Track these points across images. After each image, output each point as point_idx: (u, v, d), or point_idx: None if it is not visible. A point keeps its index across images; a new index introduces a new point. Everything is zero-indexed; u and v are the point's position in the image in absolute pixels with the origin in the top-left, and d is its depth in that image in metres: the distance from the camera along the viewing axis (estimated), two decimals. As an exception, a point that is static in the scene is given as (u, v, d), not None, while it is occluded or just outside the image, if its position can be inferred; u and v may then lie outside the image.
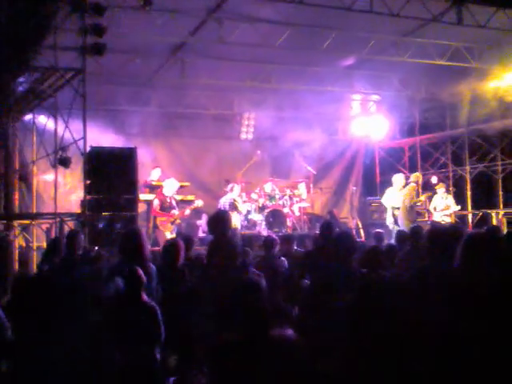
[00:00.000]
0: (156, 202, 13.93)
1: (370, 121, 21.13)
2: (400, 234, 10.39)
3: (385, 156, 21.78)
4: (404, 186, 15.46)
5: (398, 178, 15.83)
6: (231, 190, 16.15)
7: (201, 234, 16.92)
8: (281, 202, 17.52)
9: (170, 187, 14.24)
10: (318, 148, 19.91)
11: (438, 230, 6.79)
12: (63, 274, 7.85)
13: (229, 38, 13.37)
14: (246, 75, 16.31)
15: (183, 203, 15.23)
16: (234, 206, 15.77)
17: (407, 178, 16.33)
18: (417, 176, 15.90)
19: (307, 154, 19.31)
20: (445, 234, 6.27)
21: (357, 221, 19.10)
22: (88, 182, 11.87)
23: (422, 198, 16.36)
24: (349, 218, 20.51)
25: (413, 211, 15.07)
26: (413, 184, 15.38)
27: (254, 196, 17.18)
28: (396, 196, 15.37)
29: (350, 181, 21.66)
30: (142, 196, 14.98)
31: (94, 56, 11.44)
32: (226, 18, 13.02)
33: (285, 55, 15.28)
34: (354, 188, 20.81)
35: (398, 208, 15.10)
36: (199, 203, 14.76)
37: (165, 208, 13.94)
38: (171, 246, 7.88)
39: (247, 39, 13.88)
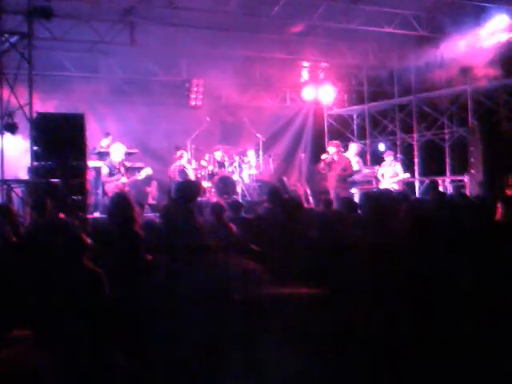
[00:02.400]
0: (105, 169, 13.83)
1: (318, 88, 21.18)
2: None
3: (333, 123, 21.92)
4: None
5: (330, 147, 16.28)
6: (180, 156, 16.13)
7: (151, 201, 16.86)
8: (230, 169, 17.55)
9: (117, 152, 14.14)
10: (267, 115, 19.95)
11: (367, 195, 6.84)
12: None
13: (179, 2, 13.27)
14: (195, 41, 16.18)
15: (133, 170, 15.15)
16: (184, 173, 15.76)
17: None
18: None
19: (257, 121, 19.34)
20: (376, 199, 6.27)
21: (305, 188, 19.23)
22: (35, 148, 11.73)
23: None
24: (298, 184, 20.63)
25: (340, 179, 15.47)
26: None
27: (203, 163, 17.18)
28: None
29: (299, 148, 21.72)
30: (91, 163, 14.85)
31: (41, 20, 11.26)
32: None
33: (234, 21, 15.21)
34: (303, 155, 20.91)
35: None
36: (148, 171, 14.69)
37: (113, 175, 13.85)
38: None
39: (197, 4, 13.80)
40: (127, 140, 16.24)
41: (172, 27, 15.26)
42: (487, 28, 15.96)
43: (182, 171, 15.75)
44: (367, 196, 6.37)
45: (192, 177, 16.19)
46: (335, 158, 16.00)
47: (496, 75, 16.23)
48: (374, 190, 15.84)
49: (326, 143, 16.95)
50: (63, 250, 5.57)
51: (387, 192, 7.62)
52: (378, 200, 5.74)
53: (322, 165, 16.23)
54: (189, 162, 16.81)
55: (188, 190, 7.59)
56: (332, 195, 14.75)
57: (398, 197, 6.96)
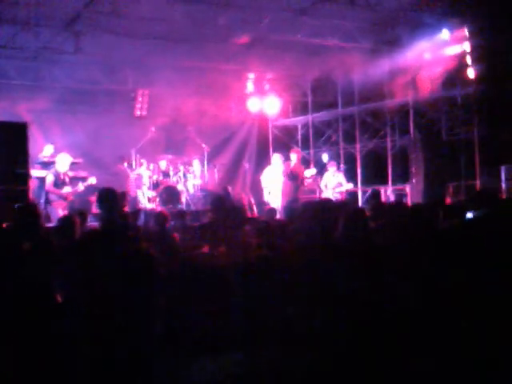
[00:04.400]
0: (50, 178, 13.69)
1: (263, 99, 21.32)
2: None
3: (278, 134, 22.09)
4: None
5: (274, 158, 16.35)
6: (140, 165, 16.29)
7: (94, 210, 16.74)
8: (175, 179, 17.57)
9: (63, 162, 14.02)
10: (212, 125, 20.03)
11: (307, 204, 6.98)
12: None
13: (123, 11, 13.26)
14: (141, 50, 16.16)
15: (76, 180, 15.04)
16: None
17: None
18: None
19: (202, 131, 19.41)
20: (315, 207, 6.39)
21: (249, 197, 19.32)
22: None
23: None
24: (242, 194, 20.71)
25: (291, 188, 15.59)
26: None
27: (147, 172, 17.20)
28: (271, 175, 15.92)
29: (244, 158, 21.83)
30: (34, 172, 14.74)
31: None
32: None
33: (180, 31, 15.23)
34: (247, 165, 21.01)
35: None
36: (92, 180, 14.60)
37: (58, 184, 13.73)
38: (67, 221, 7.82)
39: (142, 13, 13.80)
40: (71, 149, 16.08)
41: (117, 36, 15.20)
42: (429, 41, 16.31)
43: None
44: (307, 205, 6.51)
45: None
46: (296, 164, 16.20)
47: (437, 87, 16.60)
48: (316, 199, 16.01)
49: (290, 151, 16.96)
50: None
51: (327, 201, 7.73)
52: (317, 209, 5.84)
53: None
54: (132, 171, 16.79)
55: (112, 198, 7.64)
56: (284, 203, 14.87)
57: (337, 206, 7.07)
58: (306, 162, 20.05)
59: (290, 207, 10.24)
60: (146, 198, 16.28)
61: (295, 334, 4.53)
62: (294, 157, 16.20)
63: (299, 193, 15.78)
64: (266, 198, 16.13)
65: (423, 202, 12.87)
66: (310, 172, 16.53)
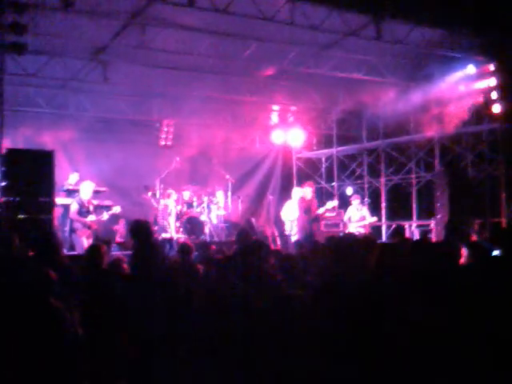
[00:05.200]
0: (74, 206, 13.75)
1: (288, 131, 21.37)
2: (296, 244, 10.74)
3: (302, 166, 22.08)
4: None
5: (294, 191, 16.24)
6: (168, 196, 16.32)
7: (118, 239, 16.80)
8: (198, 210, 17.57)
9: (86, 190, 14.08)
10: (236, 156, 20.09)
11: (332, 238, 6.96)
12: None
13: (151, 43, 13.39)
14: (166, 81, 16.30)
15: (101, 208, 15.10)
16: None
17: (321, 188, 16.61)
18: (301, 191, 16.25)
19: (226, 162, 19.47)
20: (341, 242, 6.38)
21: (273, 229, 19.28)
22: (4, 183, 11.71)
23: (321, 210, 16.40)
24: (265, 226, 20.67)
25: (305, 223, 15.47)
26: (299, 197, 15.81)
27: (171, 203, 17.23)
28: (291, 208, 15.81)
29: (268, 190, 21.83)
30: (59, 200, 14.81)
31: (13, 55, 11.31)
32: (149, 24, 13.03)
33: (206, 63, 15.35)
34: (271, 197, 21.00)
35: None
36: (117, 209, 14.67)
37: (82, 212, 13.78)
38: (95, 250, 7.82)
39: (169, 45, 13.93)
40: (96, 178, 16.17)
41: (144, 67, 15.36)
42: (455, 76, 16.28)
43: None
44: (330, 240, 6.50)
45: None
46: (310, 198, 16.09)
47: (463, 122, 16.54)
48: (340, 234, 15.97)
49: (301, 185, 16.92)
50: (27, 286, 5.58)
51: (350, 236, 7.71)
52: (339, 244, 5.83)
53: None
54: (157, 201, 16.83)
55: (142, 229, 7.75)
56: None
57: (361, 241, 7.02)
58: (329, 195, 20.03)
59: (300, 244, 10.26)
60: (173, 229, 16.29)
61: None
62: (307, 190, 16.09)
63: (313, 227, 15.66)
64: (288, 230, 16.03)
65: (447, 239, 12.71)
66: (332, 204, 16.41)
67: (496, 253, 6.76)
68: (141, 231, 7.54)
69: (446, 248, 6.26)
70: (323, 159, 21.96)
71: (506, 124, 15.72)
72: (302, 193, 15.92)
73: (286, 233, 15.94)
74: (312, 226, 15.52)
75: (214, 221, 18.00)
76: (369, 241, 6.86)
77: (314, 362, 4.57)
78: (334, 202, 16.76)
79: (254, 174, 21.92)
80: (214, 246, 11.01)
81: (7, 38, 11.14)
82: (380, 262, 5.58)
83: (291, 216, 15.77)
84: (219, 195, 18.59)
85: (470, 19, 13.54)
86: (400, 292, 5.01)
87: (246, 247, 7.88)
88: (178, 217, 16.84)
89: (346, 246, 5.83)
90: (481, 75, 16.01)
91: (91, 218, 13.82)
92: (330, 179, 21.43)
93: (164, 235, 15.66)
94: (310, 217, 15.58)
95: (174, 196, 16.72)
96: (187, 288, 6.42)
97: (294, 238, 15.19)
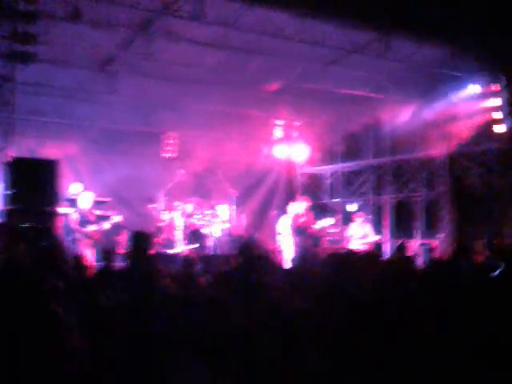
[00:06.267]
0: (75, 216, 13.76)
1: (292, 146, 21.36)
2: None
3: (306, 181, 22.06)
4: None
5: (290, 206, 16.19)
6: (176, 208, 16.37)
7: (121, 250, 16.75)
8: (202, 222, 17.57)
9: (85, 200, 14.11)
10: (241, 170, 20.08)
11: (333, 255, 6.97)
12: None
13: (158, 55, 13.44)
14: (173, 94, 16.32)
15: (103, 219, 15.10)
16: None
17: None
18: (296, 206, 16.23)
19: (230, 176, 19.47)
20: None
21: (275, 245, 19.26)
22: (8, 192, 11.74)
23: (317, 226, 16.32)
24: (268, 241, 20.64)
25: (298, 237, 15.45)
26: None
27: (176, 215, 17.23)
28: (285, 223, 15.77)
29: (272, 204, 21.80)
30: (62, 209, 14.81)
31: (22, 64, 11.36)
32: (156, 36, 13.09)
33: (212, 76, 15.38)
34: (275, 212, 20.97)
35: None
36: (117, 218, 14.66)
37: (83, 223, 13.79)
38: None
39: (176, 58, 13.99)
40: (100, 188, 16.22)
41: (151, 78, 15.39)
42: (461, 94, 16.31)
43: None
44: (331, 256, 6.52)
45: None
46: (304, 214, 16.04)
47: (468, 140, 16.53)
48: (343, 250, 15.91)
49: (295, 200, 16.90)
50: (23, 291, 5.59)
51: (351, 253, 7.73)
52: (341, 260, 5.85)
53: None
54: (161, 213, 16.83)
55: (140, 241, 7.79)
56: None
57: (362, 258, 7.05)
58: (333, 211, 19.99)
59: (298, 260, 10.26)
60: (179, 241, 16.29)
61: None
62: (301, 206, 16.04)
63: (307, 242, 15.62)
64: (279, 244, 15.91)
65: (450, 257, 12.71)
66: (328, 222, 16.33)
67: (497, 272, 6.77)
68: (139, 242, 7.54)
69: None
70: (328, 175, 21.95)
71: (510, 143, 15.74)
72: (297, 208, 15.91)
73: (279, 247, 15.85)
74: (306, 241, 15.46)
75: (218, 234, 17.99)
76: (370, 257, 6.88)
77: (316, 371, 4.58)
78: (331, 220, 16.64)
79: (258, 188, 21.90)
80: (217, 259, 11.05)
81: (16, 47, 11.21)
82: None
83: (284, 231, 15.69)
84: (223, 208, 18.59)
85: (476, 37, 13.58)
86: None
87: (249, 260, 7.90)
88: (184, 229, 16.84)
89: (346, 263, 5.86)
90: (487, 94, 16.01)
91: (92, 228, 13.83)
92: (334, 195, 21.41)
93: (170, 251, 15.71)
94: (303, 233, 15.53)
95: (180, 209, 16.75)
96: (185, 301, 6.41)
97: (286, 253, 15.17)
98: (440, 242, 16.55)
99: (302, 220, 15.62)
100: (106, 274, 8.46)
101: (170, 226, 16.72)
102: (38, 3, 10.84)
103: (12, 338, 5.09)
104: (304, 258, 9.88)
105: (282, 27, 12.71)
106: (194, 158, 19.52)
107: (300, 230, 15.48)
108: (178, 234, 16.61)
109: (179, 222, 16.89)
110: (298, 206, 15.88)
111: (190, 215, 17.51)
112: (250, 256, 8.54)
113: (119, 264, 12.34)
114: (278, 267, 9.59)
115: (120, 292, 7.17)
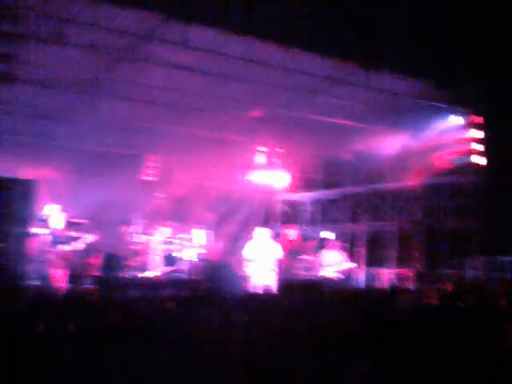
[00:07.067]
0: (46, 237, 13.68)
1: (272, 173, 21.41)
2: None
3: (286, 208, 22.12)
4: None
5: (257, 232, 16.26)
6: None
7: (93, 273, 16.67)
8: (177, 246, 17.54)
9: (58, 220, 14.04)
10: (219, 195, 20.09)
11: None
12: None
13: (141, 79, 13.48)
14: (154, 117, 16.31)
15: (76, 239, 15.00)
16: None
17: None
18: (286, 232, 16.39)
19: (208, 200, 19.47)
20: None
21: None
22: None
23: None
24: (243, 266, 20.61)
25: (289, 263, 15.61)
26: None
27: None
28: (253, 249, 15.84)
29: (249, 231, 21.75)
30: (35, 230, 14.70)
31: (1, 84, 11.35)
32: (140, 60, 13.12)
33: (194, 101, 15.42)
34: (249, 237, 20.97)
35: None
36: (90, 238, 14.58)
37: (55, 243, 13.71)
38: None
39: (159, 82, 14.02)
40: (77, 210, 16.13)
41: (132, 101, 15.38)
42: (439, 126, 16.44)
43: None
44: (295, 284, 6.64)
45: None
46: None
47: (445, 172, 16.63)
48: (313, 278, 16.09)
49: (284, 226, 17.00)
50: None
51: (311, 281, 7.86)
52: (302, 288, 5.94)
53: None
54: (137, 236, 16.81)
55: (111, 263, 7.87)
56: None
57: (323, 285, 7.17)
58: (309, 238, 20.03)
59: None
60: (154, 265, 16.27)
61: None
62: (293, 232, 16.20)
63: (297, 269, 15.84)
64: (246, 271, 15.90)
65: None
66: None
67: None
68: (107, 265, 7.57)
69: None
70: (306, 202, 22.03)
71: (488, 177, 15.86)
72: (287, 234, 16.05)
73: (245, 272, 15.84)
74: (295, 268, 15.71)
75: (193, 258, 17.95)
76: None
77: None
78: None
79: (235, 213, 21.89)
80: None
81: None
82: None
83: (252, 256, 15.68)
84: (199, 233, 18.57)
85: (458, 72, 13.77)
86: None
87: (218, 286, 7.94)
88: (159, 253, 16.82)
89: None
90: (465, 126, 16.15)
91: (65, 248, 13.74)
92: (311, 222, 21.49)
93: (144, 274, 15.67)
94: (294, 258, 15.70)
95: (157, 232, 16.75)
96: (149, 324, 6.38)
97: (253, 279, 15.20)
98: (413, 272, 16.64)
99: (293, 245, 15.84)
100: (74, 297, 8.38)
101: (146, 250, 16.69)
102: (22, 25, 10.81)
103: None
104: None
105: (267, 56, 12.79)
106: (173, 182, 19.52)
107: (292, 253, 15.66)
108: (153, 258, 16.57)
109: (155, 246, 16.86)
110: (290, 232, 16.07)
111: (166, 239, 17.48)
112: (218, 281, 8.61)
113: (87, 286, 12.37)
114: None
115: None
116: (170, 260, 16.94)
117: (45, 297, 7.81)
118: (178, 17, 11.45)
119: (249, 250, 15.81)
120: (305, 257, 16.89)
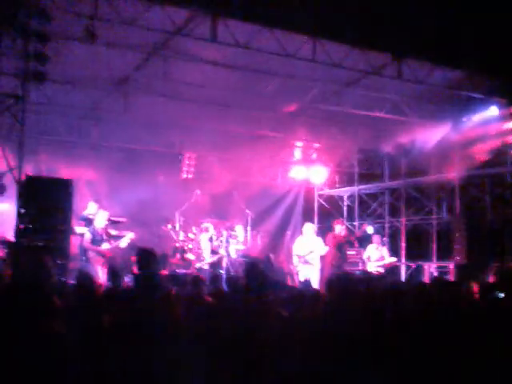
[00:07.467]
0: (87, 236, 13.77)
1: (310, 168, 21.36)
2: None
3: (324, 203, 22.03)
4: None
5: (306, 227, 16.21)
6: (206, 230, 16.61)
7: (135, 270, 16.75)
8: (217, 243, 17.55)
9: (100, 219, 14.14)
10: (257, 191, 20.08)
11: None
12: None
13: (173, 75, 13.52)
14: (188, 114, 16.33)
15: (120, 238, 15.09)
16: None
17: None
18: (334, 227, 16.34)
19: (247, 197, 19.46)
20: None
21: (291, 266, 19.21)
22: (22, 210, 11.81)
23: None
24: (284, 262, 20.58)
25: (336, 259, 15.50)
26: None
27: (191, 236, 17.21)
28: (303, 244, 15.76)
29: (289, 226, 21.76)
30: (78, 229, 14.83)
31: (35, 83, 11.47)
32: (171, 56, 13.17)
33: (228, 96, 15.42)
34: (289, 232, 20.94)
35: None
36: (130, 235, 14.63)
37: (96, 241, 13.80)
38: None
39: (191, 78, 14.05)
40: (116, 208, 16.23)
41: (166, 98, 15.41)
42: (477, 117, 16.22)
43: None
44: (332, 279, 6.49)
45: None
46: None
47: (484, 164, 16.42)
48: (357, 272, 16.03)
49: (333, 222, 16.93)
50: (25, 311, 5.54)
51: (349, 275, 7.72)
52: (340, 283, 5.82)
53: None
54: (177, 234, 16.87)
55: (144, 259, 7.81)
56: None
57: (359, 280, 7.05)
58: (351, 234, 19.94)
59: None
60: (195, 261, 16.37)
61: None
62: (340, 227, 16.20)
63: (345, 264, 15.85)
64: (296, 266, 15.92)
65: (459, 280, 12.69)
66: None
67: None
68: (143, 261, 7.53)
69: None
70: (345, 197, 21.91)
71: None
72: (335, 230, 16.04)
73: (294, 268, 15.89)
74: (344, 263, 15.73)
75: (233, 255, 17.95)
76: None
77: None
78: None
79: (274, 209, 21.88)
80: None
81: (30, 66, 11.31)
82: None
83: (302, 252, 15.68)
84: (239, 229, 18.58)
85: (491, 62, 13.54)
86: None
87: (254, 282, 7.86)
88: (200, 250, 16.85)
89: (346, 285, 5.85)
90: (503, 117, 15.89)
91: (105, 246, 13.83)
92: (351, 217, 21.38)
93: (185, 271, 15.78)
94: (342, 254, 15.68)
95: (197, 230, 16.83)
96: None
97: (301, 274, 15.20)
98: (454, 266, 16.43)
99: (341, 240, 15.85)
100: (111, 295, 8.40)
101: (187, 247, 16.75)
102: (52, 24, 10.93)
103: (13, 359, 5.06)
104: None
105: (297, 49, 12.71)
106: (211, 179, 19.54)
107: (339, 250, 15.66)
108: (195, 255, 16.62)
109: (196, 243, 16.90)
110: (338, 228, 16.09)
111: (206, 236, 17.51)
112: (256, 277, 8.51)
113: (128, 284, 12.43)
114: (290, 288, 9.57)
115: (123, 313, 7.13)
116: (212, 256, 16.97)
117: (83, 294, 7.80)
118: (207, 11, 11.49)
119: (299, 246, 15.84)
120: (350, 252, 16.86)
